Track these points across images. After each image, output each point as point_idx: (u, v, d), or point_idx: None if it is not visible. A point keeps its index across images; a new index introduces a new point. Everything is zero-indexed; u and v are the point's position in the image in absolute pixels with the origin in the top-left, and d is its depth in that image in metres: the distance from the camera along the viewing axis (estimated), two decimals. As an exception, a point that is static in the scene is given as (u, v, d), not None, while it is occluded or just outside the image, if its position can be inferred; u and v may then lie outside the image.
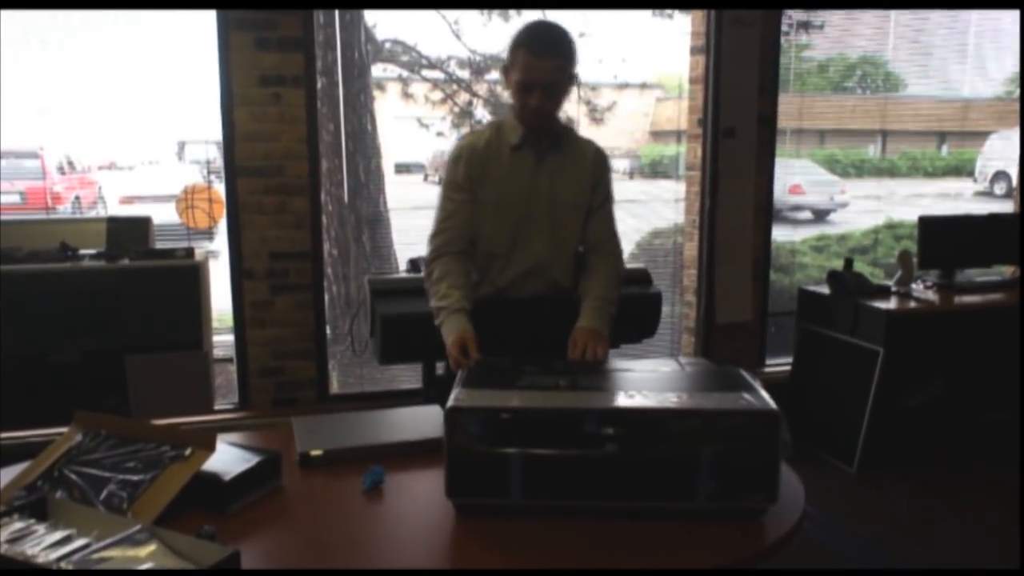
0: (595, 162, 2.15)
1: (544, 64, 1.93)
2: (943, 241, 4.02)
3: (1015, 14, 4.78)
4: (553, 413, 1.46)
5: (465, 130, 5.27)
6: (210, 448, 1.55)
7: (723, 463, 1.43)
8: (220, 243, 3.77)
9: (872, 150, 5.96)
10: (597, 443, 1.43)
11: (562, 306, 2.09)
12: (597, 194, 2.15)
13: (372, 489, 1.60)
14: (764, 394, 1.51)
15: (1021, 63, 4.56)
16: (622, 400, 1.48)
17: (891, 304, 3.67)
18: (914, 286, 3.94)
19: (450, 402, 1.47)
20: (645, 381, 1.61)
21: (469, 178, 2.05)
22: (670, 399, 1.49)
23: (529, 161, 2.06)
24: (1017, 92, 5.36)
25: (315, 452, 1.72)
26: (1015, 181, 5.14)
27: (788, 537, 1.44)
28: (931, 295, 3.84)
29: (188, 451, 1.55)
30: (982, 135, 6.05)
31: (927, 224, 3.99)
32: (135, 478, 1.50)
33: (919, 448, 3.81)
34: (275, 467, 1.64)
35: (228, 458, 1.60)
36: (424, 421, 1.88)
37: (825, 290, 3.90)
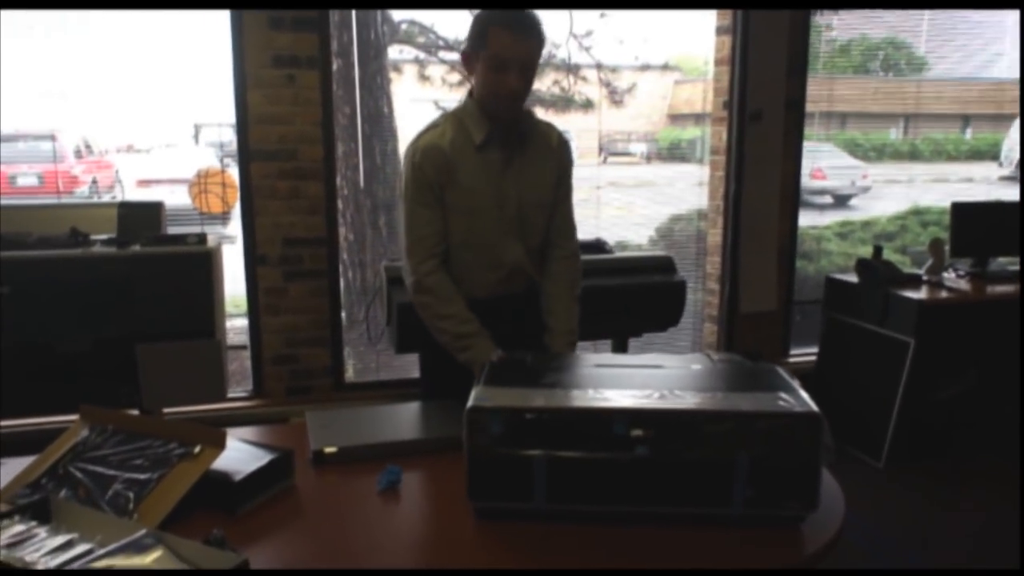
0: (559, 152, 2.06)
1: (522, 41, 1.83)
2: (976, 228, 3.90)
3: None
4: (580, 413, 1.38)
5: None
6: (220, 446, 1.48)
7: (761, 468, 1.34)
8: (234, 228, 3.71)
9: (894, 133, 5.83)
10: (626, 446, 1.35)
11: (536, 301, 2.07)
12: (560, 188, 2.07)
13: (388, 489, 1.53)
14: (803, 394, 1.42)
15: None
16: (652, 400, 1.40)
17: (922, 294, 3.55)
18: (946, 275, 3.82)
19: (471, 401, 1.39)
20: (676, 379, 1.52)
21: (437, 184, 1.92)
22: (704, 399, 1.41)
23: (496, 162, 1.95)
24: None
25: (329, 449, 1.65)
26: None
27: (829, 547, 1.35)
28: (964, 284, 3.72)
29: (197, 449, 1.48)
30: (1008, 118, 5.90)
31: (960, 210, 3.87)
32: (142, 477, 1.44)
33: (950, 443, 3.70)
34: (287, 465, 1.57)
35: (239, 456, 1.54)
36: (443, 417, 1.81)
37: (853, 278, 3.79)
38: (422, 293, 1.96)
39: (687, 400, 1.41)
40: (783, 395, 1.42)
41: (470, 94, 1.97)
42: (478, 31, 1.86)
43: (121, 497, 1.41)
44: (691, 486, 1.36)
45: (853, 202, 6.25)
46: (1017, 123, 5.84)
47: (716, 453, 1.35)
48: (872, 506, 3.13)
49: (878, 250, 3.85)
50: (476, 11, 1.91)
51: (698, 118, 4.41)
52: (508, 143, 1.96)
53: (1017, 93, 5.31)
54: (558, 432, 1.37)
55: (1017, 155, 6.19)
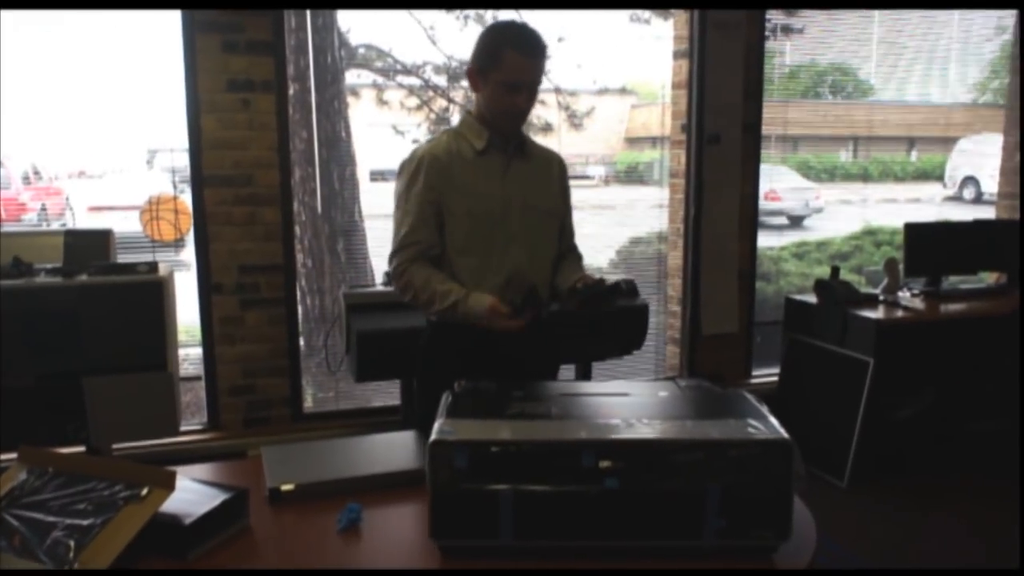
0: (560, 170, 2.13)
1: (534, 64, 1.89)
2: (929, 248, 3.96)
3: (985, 20, 4.79)
4: (547, 446, 1.33)
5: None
6: (169, 487, 1.41)
7: (732, 497, 1.31)
8: (188, 255, 3.61)
9: (844, 155, 5.97)
10: (595, 478, 1.31)
11: (532, 334, 1.91)
12: (565, 203, 2.13)
13: (348, 528, 1.47)
14: (773, 421, 1.40)
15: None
16: (621, 430, 1.37)
17: (879, 313, 3.60)
18: (901, 294, 3.88)
19: (433, 435, 1.34)
20: (643, 407, 1.49)
21: (432, 188, 1.93)
22: (673, 428, 1.38)
23: (496, 166, 1.98)
24: (983, 98, 5.38)
25: (286, 487, 1.58)
26: (987, 186, 5.14)
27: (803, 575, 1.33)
28: (919, 303, 3.78)
29: (145, 491, 1.40)
30: (951, 140, 6.09)
31: (913, 230, 3.93)
32: (84, 523, 1.36)
33: (911, 460, 3.74)
34: (242, 506, 1.50)
35: (190, 497, 1.46)
36: (403, 449, 1.75)
37: (812, 299, 3.82)
38: (398, 282, 1.96)
39: (656, 429, 1.38)
40: (752, 422, 1.40)
41: (468, 112, 2.03)
42: (490, 51, 1.90)
43: (61, 545, 1.32)
44: (662, 518, 1.33)
45: (807, 223, 6.36)
46: (960, 144, 6.03)
47: (687, 483, 1.32)
48: (837, 526, 3.13)
49: (835, 270, 3.89)
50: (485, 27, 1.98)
51: (655, 141, 4.44)
52: (507, 149, 1.99)
53: (959, 117, 5.48)
54: (525, 465, 1.32)
55: (960, 176, 6.39)
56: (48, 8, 3.37)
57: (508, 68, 1.87)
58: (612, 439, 1.34)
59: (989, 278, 4.31)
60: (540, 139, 5.78)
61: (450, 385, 1.62)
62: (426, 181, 1.93)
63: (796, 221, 6.32)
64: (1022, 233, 3.96)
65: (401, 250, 1.95)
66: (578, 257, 2.19)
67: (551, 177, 2.09)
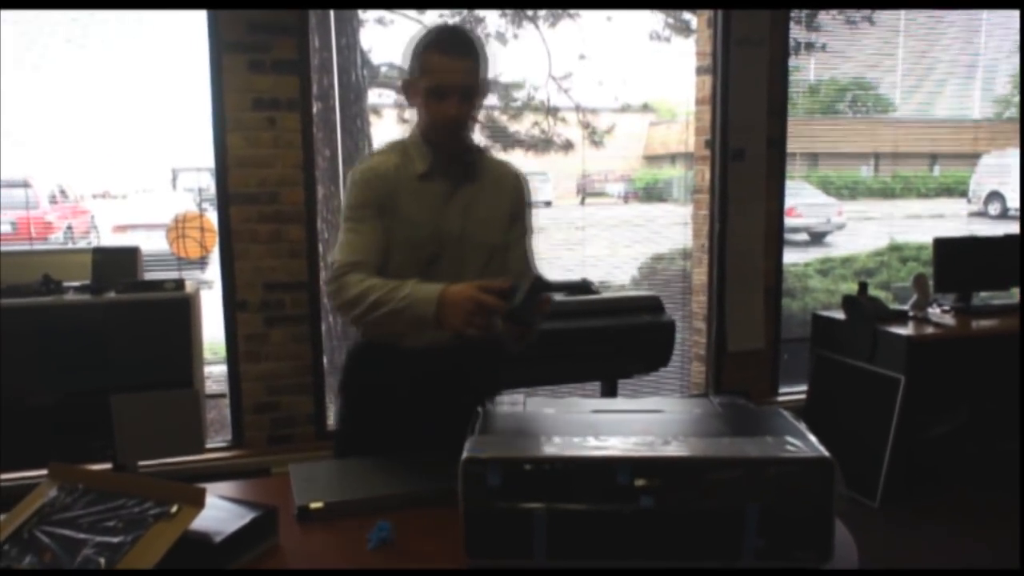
0: (515, 191, 1.92)
1: (459, 65, 1.72)
2: (959, 263, 3.90)
3: (1005, 32, 4.74)
4: (581, 463, 1.31)
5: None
6: (199, 504, 1.39)
7: (771, 517, 1.28)
8: (213, 273, 3.63)
9: (865, 171, 5.93)
10: (630, 496, 1.29)
11: (470, 357, 1.81)
12: (515, 228, 1.91)
13: (379, 547, 1.45)
14: (812, 438, 1.37)
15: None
16: (656, 448, 1.34)
17: (909, 330, 3.54)
18: (931, 310, 3.82)
19: (466, 452, 1.32)
20: (678, 424, 1.47)
21: (377, 206, 1.77)
22: (710, 446, 1.35)
23: (438, 193, 1.81)
24: (1009, 113, 5.31)
25: (315, 505, 1.56)
26: (1012, 201, 5.07)
27: (845, 599, 1.29)
28: (949, 319, 3.72)
29: (174, 508, 1.39)
30: (974, 156, 6.03)
31: (942, 246, 3.88)
32: (115, 540, 1.35)
33: (945, 479, 3.66)
34: (271, 523, 1.48)
35: (219, 515, 1.44)
36: (435, 468, 1.73)
37: (840, 315, 3.77)
38: (336, 296, 1.74)
39: (692, 447, 1.35)
40: (791, 439, 1.37)
41: (416, 128, 1.87)
42: (413, 56, 1.77)
43: (92, 563, 1.31)
44: (699, 538, 1.30)
45: (829, 239, 6.31)
46: (983, 160, 5.96)
47: (725, 502, 1.29)
48: (870, 547, 3.06)
49: (863, 286, 3.84)
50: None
51: (673, 158, 4.42)
52: (452, 174, 1.82)
53: (982, 133, 5.42)
54: (559, 483, 1.30)
55: (984, 191, 6.31)
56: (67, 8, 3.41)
57: (431, 71, 1.72)
58: (648, 456, 1.31)
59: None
60: (560, 157, 5.77)
61: (371, 410, 1.58)
62: (370, 196, 1.78)
63: (817, 238, 6.27)
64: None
65: (343, 264, 1.75)
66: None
67: (502, 202, 1.88)
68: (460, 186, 1.83)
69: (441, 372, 1.83)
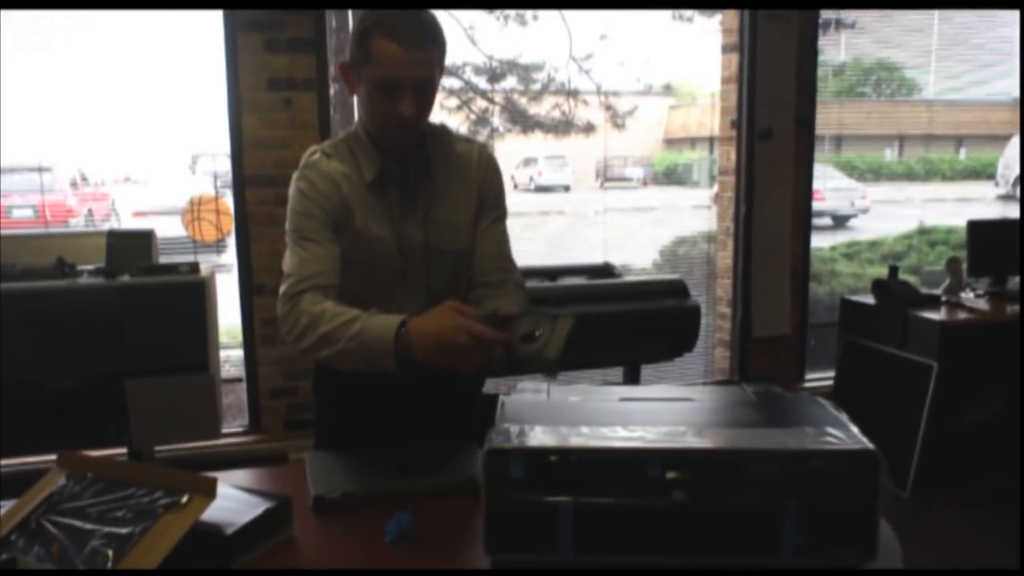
0: (480, 173, 1.66)
1: (416, 56, 1.44)
2: (993, 246, 3.79)
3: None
4: (610, 454, 1.24)
5: (480, 137, 5.07)
6: (210, 495, 1.34)
7: (812, 513, 1.21)
8: (229, 256, 3.59)
9: (889, 154, 5.81)
10: (662, 490, 1.22)
11: (446, 379, 1.53)
12: (485, 215, 1.66)
13: (397, 540, 1.39)
14: (854, 429, 1.30)
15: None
16: (689, 438, 1.27)
17: (942, 315, 3.43)
18: (964, 295, 3.71)
19: (488, 442, 1.26)
20: (710, 413, 1.40)
21: (330, 217, 1.54)
22: (745, 437, 1.28)
23: (393, 204, 1.58)
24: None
25: (331, 495, 1.51)
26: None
27: (890, 600, 1.22)
28: (984, 304, 3.60)
29: (185, 498, 1.34)
30: (1001, 138, 5.88)
31: (976, 229, 3.76)
32: (123, 531, 1.30)
33: (978, 468, 3.55)
34: (285, 514, 1.43)
35: (231, 505, 1.39)
36: (455, 457, 1.67)
37: (869, 300, 3.66)
38: (287, 320, 1.49)
39: (727, 438, 1.27)
40: (832, 430, 1.29)
41: (360, 123, 1.61)
42: (358, 39, 1.47)
43: (99, 555, 1.26)
44: (734, 535, 1.23)
45: (852, 223, 6.19)
46: (1013, 141, 5.80)
47: (762, 497, 1.21)
48: (901, 537, 2.97)
49: (893, 270, 3.73)
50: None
51: (694, 142, 4.33)
52: (406, 179, 1.59)
53: (1012, 115, 5.26)
54: (586, 475, 1.23)
55: (1013, 174, 6.15)
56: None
57: (379, 61, 1.44)
58: (680, 448, 1.24)
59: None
60: (581, 139, 5.66)
61: (347, 429, 1.51)
62: (320, 209, 1.54)
63: (840, 221, 6.17)
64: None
65: (294, 283, 1.51)
66: (513, 292, 1.66)
67: (467, 192, 1.64)
68: (416, 190, 1.60)
69: (409, 391, 1.64)
